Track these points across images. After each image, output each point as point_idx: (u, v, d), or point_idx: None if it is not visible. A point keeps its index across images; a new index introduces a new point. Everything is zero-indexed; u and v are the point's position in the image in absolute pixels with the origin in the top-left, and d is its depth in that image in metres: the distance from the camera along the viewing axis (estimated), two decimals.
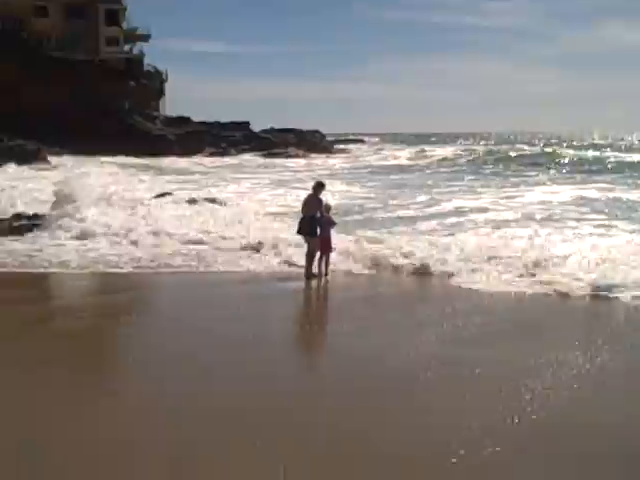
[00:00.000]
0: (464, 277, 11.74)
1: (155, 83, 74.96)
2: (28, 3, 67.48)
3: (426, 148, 75.07)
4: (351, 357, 7.79)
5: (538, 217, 19.62)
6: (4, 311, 9.62)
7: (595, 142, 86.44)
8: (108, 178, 22.07)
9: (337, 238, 13.10)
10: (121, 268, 12.55)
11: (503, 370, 7.26)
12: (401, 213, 21.23)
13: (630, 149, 65.38)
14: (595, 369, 7.17)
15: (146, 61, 74.67)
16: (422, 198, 25.11)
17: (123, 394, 6.72)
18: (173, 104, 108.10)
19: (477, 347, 7.98)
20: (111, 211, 17.62)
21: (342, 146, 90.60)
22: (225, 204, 21.68)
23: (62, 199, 17.73)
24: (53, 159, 44.70)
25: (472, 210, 21.45)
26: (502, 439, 5.51)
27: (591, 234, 15.66)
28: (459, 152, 64.95)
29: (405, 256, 12.93)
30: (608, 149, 65.25)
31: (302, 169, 49.17)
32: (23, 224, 16.85)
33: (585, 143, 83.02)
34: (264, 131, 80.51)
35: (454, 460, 5.16)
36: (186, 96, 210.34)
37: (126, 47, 74.29)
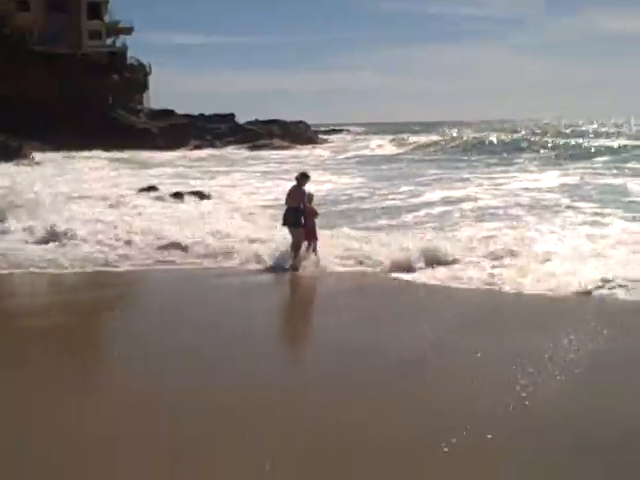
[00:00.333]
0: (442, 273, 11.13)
1: (138, 76, 74.52)
2: None
3: (410, 137, 75.06)
4: (346, 349, 7.82)
5: (526, 206, 19.24)
6: None
7: (580, 129, 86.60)
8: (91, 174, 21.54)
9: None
10: (66, 268, 11.99)
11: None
12: (387, 204, 21.08)
13: (613, 135, 65.56)
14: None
15: (129, 54, 74.26)
16: (407, 188, 25.01)
17: (109, 388, 6.76)
18: (157, 97, 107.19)
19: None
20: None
21: (325, 136, 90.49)
22: (210, 197, 21.72)
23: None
24: (36, 155, 44.34)
25: (459, 200, 20.97)
26: (496, 427, 5.60)
27: (584, 222, 15.51)
28: (442, 139, 64.89)
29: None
30: (592, 135, 65.43)
31: (287, 160, 49.10)
32: None
33: (570, 130, 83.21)
34: (249, 123, 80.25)
35: (446, 449, 5.22)
36: (170, 89, 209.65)
37: (109, 40, 73.77)
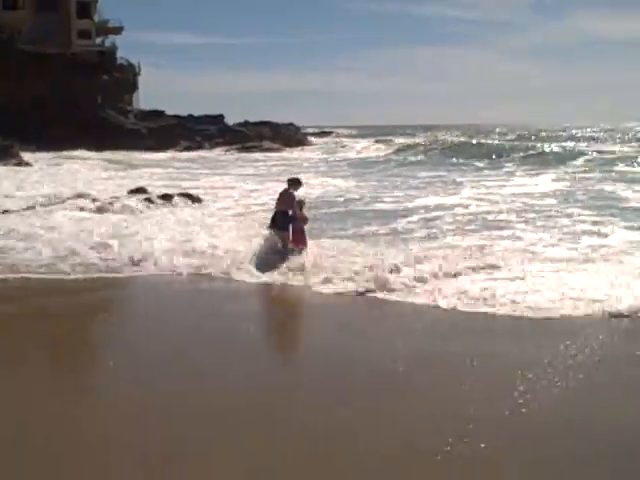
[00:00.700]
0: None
1: (128, 76, 74.36)
2: None
3: (396, 139, 75.36)
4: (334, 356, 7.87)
5: (520, 214, 18.49)
6: None
7: (571, 134, 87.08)
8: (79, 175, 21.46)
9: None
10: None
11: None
12: (376, 207, 21.01)
13: (601, 140, 65.98)
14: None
15: (119, 54, 74.12)
16: (397, 192, 25.03)
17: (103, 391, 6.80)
18: (146, 98, 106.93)
19: None
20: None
21: (315, 139, 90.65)
22: (200, 200, 21.73)
23: None
24: (25, 155, 44.15)
25: (451, 206, 20.46)
26: (491, 434, 5.63)
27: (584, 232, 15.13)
28: (426, 142, 64.96)
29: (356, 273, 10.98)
30: (581, 140, 65.78)
31: (276, 163, 49.14)
32: None
33: (563, 134, 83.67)
34: (239, 124, 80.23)
35: (439, 457, 5.26)
36: (159, 89, 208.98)
37: (98, 40, 73.58)
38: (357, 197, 23.68)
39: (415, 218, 18.02)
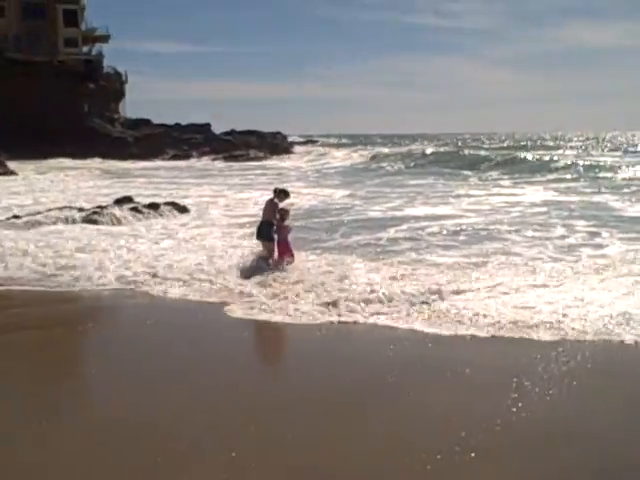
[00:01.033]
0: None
1: (115, 85, 74.32)
2: None
3: (381, 149, 75.92)
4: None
5: (511, 225, 18.06)
6: None
7: (554, 143, 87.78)
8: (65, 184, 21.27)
9: None
10: None
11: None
12: (362, 217, 20.97)
13: (584, 148, 66.45)
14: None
15: (105, 62, 74.04)
16: (388, 203, 24.86)
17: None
18: (133, 106, 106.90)
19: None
20: None
21: (302, 147, 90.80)
22: (187, 210, 21.67)
23: None
24: (10, 164, 43.91)
25: (442, 217, 20.16)
26: (479, 446, 5.61)
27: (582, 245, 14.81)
28: (410, 150, 65.31)
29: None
30: (566, 149, 66.21)
31: (260, 172, 49.11)
32: None
33: (549, 143, 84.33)
34: (225, 133, 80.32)
35: (428, 467, 5.27)
36: (146, 98, 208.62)
37: (85, 48, 73.43)
38: (347, 207, 23.51)
39: (405, 227, 17.93)
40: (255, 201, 23.96)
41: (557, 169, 41.57)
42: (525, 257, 13.34)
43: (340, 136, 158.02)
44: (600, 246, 14.71)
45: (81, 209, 20.08)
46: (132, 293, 11.11)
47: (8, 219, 18.27)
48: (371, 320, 9.31)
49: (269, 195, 12.95)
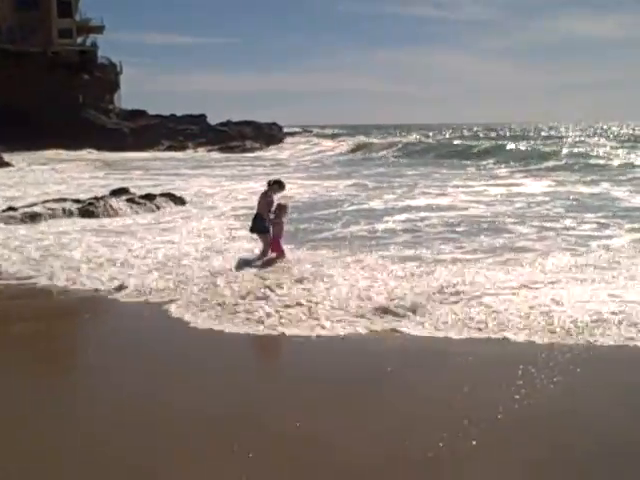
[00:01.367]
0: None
1: (110, 76, 74.00)
2: None
3: (372, 139, 75.84)
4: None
5: (517, 217, 17.58)
6: None
7: (553, 133, 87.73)
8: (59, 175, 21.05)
9: None
10: None
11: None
12: (366, 207, 20.83)
13: (583, 139, 66.32)
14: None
15: (100, 53, 73.74)
16: (387, 195, 24.78)
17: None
18: (128, 97, 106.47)
19: None
20: None
21: (298, 138, 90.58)
22: (184, 201, 21.59)
23: None
24: (5, 155, 43.74)
25: (444, 208, 19.82)
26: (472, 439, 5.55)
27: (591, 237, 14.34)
28: (402, 141, 65.19)
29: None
30: (564, 139, 66.11)
31: (262, 162, 49.05)
32: None
33: (545, 134, 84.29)
34: (221, 124, 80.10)
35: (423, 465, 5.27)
36: (141, 89, 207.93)
37: (79, 39, 73.09)
38: (348, 199, 22.96)
39: (404, 218, 17.67)
40: (253, 192, 23.92)
41: (553, 159, 41.57)
42: (540, 251, 12.73)
43: (336, 127, 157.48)
44: (610, 237, 14.35)
45: (77, 200, 19.99)
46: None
47: (4, 211, 18.17)
48: (390, 326, 8.44)
49: (264, 187, 12.80)
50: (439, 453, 5.25)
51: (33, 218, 17.70)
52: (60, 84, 64.09)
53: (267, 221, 12.13)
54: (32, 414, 6.12)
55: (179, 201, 21.41)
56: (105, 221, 17.79)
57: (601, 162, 38.86)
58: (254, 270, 11.17)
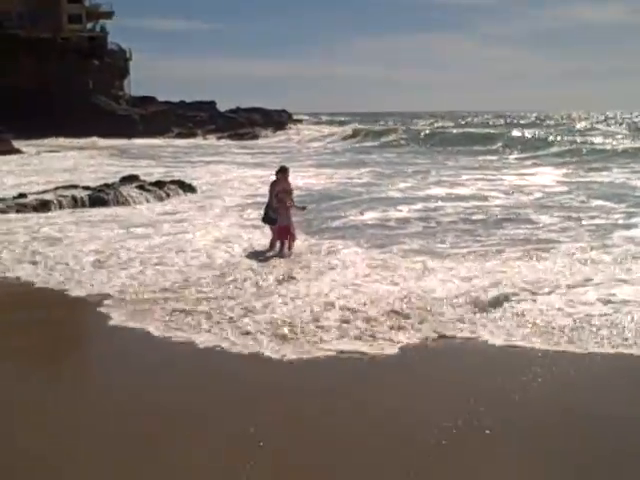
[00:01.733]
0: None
1: (119, 62, 73.80)
2: None
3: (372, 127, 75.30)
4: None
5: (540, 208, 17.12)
6: None
7: (558, 121, 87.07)
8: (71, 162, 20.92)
9: None
10: None
11: None
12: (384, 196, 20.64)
13: (590, 128, 65.76)
14: None
15: (109, 39, 73.52)
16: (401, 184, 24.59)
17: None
18: (138, 84, 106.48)
19: None
20: None
21: (309, 125, 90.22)
22: (194, 189, 21.56)
23: None
24: (15, 142, 43.69)
25: (464, 197, 19.50)
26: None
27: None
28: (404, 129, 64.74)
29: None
30: (566, 127, 65.59)
31: (270, 150, 48.97)
32: None
33: (550, 122, 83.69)
34: (230, 111, 79.88)
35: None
36: (151, 75, 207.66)
37: (89, 25, 72.90)
38: (362, 188, 22.55)
39: (420, 206, 17.59)
40: (263, 180, 23.81)
41: (560, 145, 41.31)
42: (577, 248, 11.97)
43: (346, 114, 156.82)
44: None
45: (87, 187, 20.00)
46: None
47: (15, 198, 18.20)
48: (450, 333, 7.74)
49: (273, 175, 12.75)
50: None
51: (44, 205, 17.74)
52: (70, 70, 63.97)
53: (271, 210, 12.08)
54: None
55: (189, 189, 21.38)
56: (107, 211, 17.59)
57: (608, 147, 38.66)
58: (260, 265, 10.93)
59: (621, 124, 72.84)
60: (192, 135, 68.10)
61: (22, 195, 18.46)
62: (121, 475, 4.94)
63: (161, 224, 15.29)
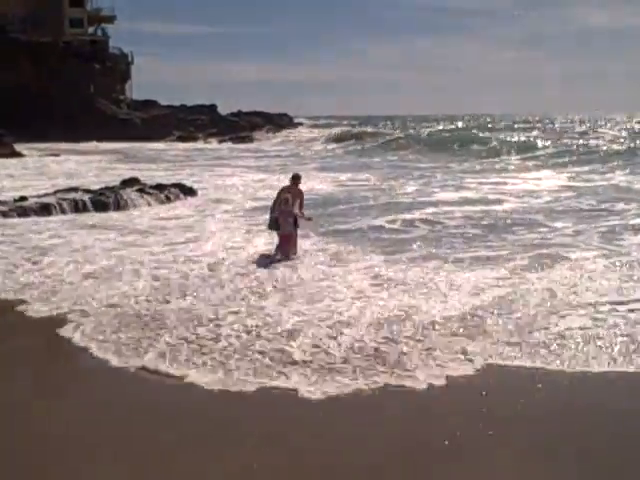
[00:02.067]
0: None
1: (121, 66, 73.80)
2: None
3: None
4: None
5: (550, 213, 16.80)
6: None
7: (559, 124, 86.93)
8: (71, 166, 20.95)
9: None
10: None
11: None
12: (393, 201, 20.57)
13: (591, 131, 65.60)
14: None
15: (111, 43, 73.56)
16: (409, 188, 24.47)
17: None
18: (139, 87, 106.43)
19: None
20: None
21: (309, 129, 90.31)
22: (194, 192, 21.53)
23: None
24: (16, 145, 43.67)
25: (472, 202, 19.17)
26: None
27: None
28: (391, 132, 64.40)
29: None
30: (568, 131, 65.45)
31: (275, 153, 48.91)
32: None
33: (551, 126, 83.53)
34: (232, 114, 79.95)
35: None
36: (152, 79, 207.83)
37: (90, 29, 72.95)
38: (368, 194, 21.97)
39: (430, 211, 17.50)
40: (264, 184, 23.78)
41: (558, 148, 41.16)
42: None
43: (348, 118, 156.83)
44: None
45: (88, 190, 19.97)
46: None
47: (16, 200, 18.17)
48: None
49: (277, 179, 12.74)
50: None
51: (44, 209, 17.70)
52: (71, 74, 63.95)
53: (275, 217, 11.99)
54: None
55: (190, 192, 21.35)
56: (107, 216, 17.45)
57: (605, 149, 38.66)
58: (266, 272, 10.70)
59: (624, 127, 72.68)
60: (193, 139, 68.08)
61: (23, 198, 18.43)
62: None
63: (161, 231, 15.07)
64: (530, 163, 34.94)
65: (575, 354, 7.08)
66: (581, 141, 46.65)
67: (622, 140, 45.98)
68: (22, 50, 62.48)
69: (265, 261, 11.45)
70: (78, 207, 18.24)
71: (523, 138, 49.77)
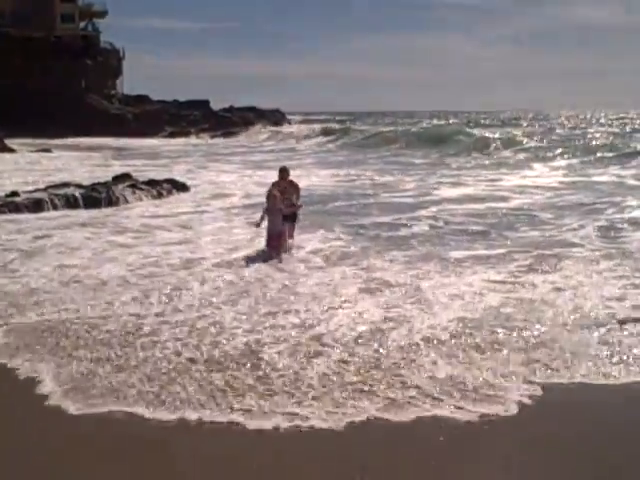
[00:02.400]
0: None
1: (112, 61, 73.55)
2: None
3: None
4: None
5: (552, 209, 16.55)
6: None
7: (557, 121, 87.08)
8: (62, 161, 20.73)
9: None
10: None
11: None
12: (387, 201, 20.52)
13: (586, 128, 65.64)
14: None
15: (102, 38, 73.23)
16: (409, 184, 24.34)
17: None
18: (131, 83, 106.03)
19: None
20: None
21: (302, 125, 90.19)
22: (187, 188, 21.37)
23: None
24: (7, 141, 43.37)
25: (474, 199, 18.86)
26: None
27: None
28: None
29: None
30: (565, 128, 65.53)
31: (269, 149, 48.75)
32: None
33: (546, 122, 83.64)
34: (224, 110, 79.68)
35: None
36: (144, 74, 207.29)
37: (82, 24, 72.58)
38: (363, 190, 21.80)
39: (435, 209, 17.40)
40: (257, 181, 23.58)
41: (554, 144, 41.09)
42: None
43: (341, 114, 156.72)
44: None
45: (80, 185, 19.75)
46: None
47: (7, 196, 17.92)
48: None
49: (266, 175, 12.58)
50: None
51: (37, 205, 17.45)
52: (63, 69, 63.68)
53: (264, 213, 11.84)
54: None
55: (182, 188, 21.17)
56: (99, 213, 17.34)
57: (600, 145, 38.58)
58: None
59: (617, 123, 72.84)
60: (185, 134, 67.89)
61: (14, 193, 18.19)
62: None
63: (153, 230, 14.55)
64: (521, 156, 34.91)
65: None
66: (575, 137, 46.62)
67: (612, 137, 45.96)
68: (13, 45, 62.19)
69: (253, 260, 11.08)
70: (70, 203, 18.02)
71: (517, 132, 49.72)
